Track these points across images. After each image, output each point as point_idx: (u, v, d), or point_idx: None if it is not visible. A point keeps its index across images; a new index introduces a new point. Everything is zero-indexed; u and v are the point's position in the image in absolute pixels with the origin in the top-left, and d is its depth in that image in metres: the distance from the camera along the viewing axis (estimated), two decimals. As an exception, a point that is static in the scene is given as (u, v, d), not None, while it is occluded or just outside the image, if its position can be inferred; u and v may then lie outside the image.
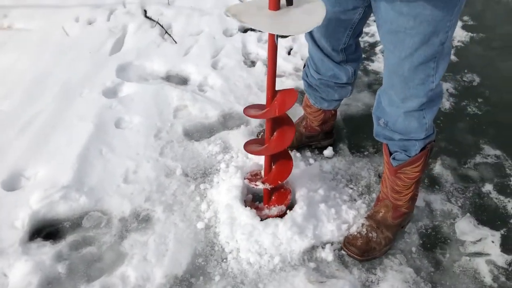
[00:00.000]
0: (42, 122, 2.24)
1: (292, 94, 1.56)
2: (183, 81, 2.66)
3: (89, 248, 1.80)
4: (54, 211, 1.89)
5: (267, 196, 1.84)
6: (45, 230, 1.85)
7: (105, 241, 1.82)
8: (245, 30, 3.08)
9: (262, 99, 2.47)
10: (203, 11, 3.17)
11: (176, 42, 2.87)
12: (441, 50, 1.39)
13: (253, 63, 2.78)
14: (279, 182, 1.76)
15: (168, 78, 2.67)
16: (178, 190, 2.00)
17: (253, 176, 1.87)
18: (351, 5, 1.57)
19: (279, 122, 1.68)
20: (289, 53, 2.86)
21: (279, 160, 1.77)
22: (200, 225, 1.86)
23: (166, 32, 2.94)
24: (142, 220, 1.90)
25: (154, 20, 3.01)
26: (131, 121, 2.33)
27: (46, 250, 1.76)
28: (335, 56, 1.80)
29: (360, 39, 1.86)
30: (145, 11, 3.11)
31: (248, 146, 1.75)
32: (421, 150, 1.63)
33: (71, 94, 2.42)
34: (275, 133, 1.69)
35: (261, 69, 2.69)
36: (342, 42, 1.73)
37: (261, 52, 2.84)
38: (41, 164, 2.05)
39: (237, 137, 2.24)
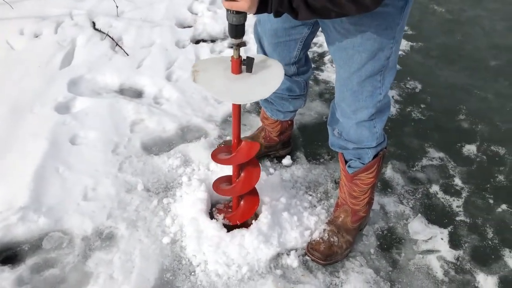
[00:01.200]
0: (-9, 141, 2.15)
1: (256, 145, 1.68)
2: (137, 94, 2.64)
3: (51, 270, 1.75)
4: (12, 234, 1.83)
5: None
6: (3, 255, 1.79)
7: (68, 261, 1.79)
8: (197, 42, 3.10)
9: (219, 110, 2.52)
10: (154, 22, 3.16)
11: (128, 55, 2.84)
12: (387, 64, 1.49)
13: (207, 75, 2.80)
14: (243, 220, 1.85)
15: (121, 91, 2.64)
16: (140, 206, 1.99)
17: (225, 208, 1.96)
18: (300, 21, 1.65)
19: (245, 163, 1.75)
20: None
21: (246, 197, 1.85)
22: (165, 240, 1.87)
23: (117, 44, 2.90)
24: (106, 238, 1.87)
25: (103, 32, 2.96)
26: (87, 136, 2.28)
27: (5, 276, 1.70)
28: (287, 70, 1.86)
29: (308, 50, 1.95)
30: (94, 23, 3.05)
31: (217, 186, 1.82)
32: (374, 157, 1.74)
33: (22, 111, 2.33)
34: (242, 174, 1.76)
35: (216, 81, 2.72)
36: (293, 56, 1.80)
37: (214, 63, 2.87)
38: (-7, 185, 1.97)
39: (197, 149, 2.26)
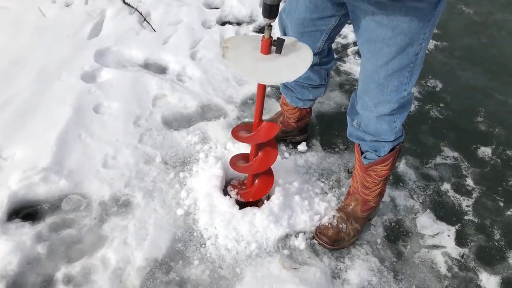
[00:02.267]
0: (20, 103, 2.23)
1: (276, 127, 1.72)
2: (161, 70, 2.69)
3: (68, 230, 1.83)
4: (34, 192, 1.90)
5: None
6: (24, 211, 1.87)
7: (85, 224, 1.86)
8: (223, 23, 3.14)
9: (240, 92, 2.56)
10: (182, 1, 3.20)
11: (155, 30, 2.89)
12: (415, 60, 1.50)
13: (231, 57, 2.84)
14: (256, 198, 1.90)
15: (146, 66, 2.69)
16: (157, 177, 2.05)
17: (239, 185, 2.00)
18: (328, 13, 1.67)
19: (263, 144, 1.79)
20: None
21: (261, 176, 1.89)
22: (179, 211, 1.93)
23: (145, 19, 2.96)
24: (122, 204, 1.94)
25: (132, 7, 3.01)
26: (110, 107, 2.35)
27: (25, 231, 1.78)
28: None
29: (333, 42, 1.96)
30: (124, -3, 3.11)
31: (234, 163, 1.87)
32: (390, 151, 1.77)
33: (49, 76, 2.40)
34: (259, 153, 1.81)
35: (239, 63, 2.76)
36: (317, 47, 1.83)
37: (239, 46, 2.91)
38: (19, 145, 2.05)
39: (216, 128, 2.30)
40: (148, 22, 2.94)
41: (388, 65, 1.50)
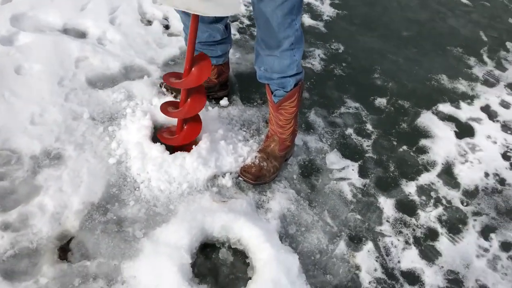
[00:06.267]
0: None
1: (208, 66, 1.87)
2: (81, 34, 2.72)
3: (1, 183, 1.87)
4: (-41, 150, 1.90)
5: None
6: (-49, 168, 1.87)
7: (17, 176, 1.91)
8: (139, -9, 3.21)
9: (161, 54, 2.69)
10: (97, -31, 3.21)
11: (70, -3, 2.90)
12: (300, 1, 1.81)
13: (149, 22, 2.94)
14: (187, 141, 2.06)
15: (65, 31, 2.70)
16: (87, 132, 2.13)
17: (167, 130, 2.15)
18: None
19: (193, 90, 1.95)
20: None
21: (189, 122, 2.05)
22: (111, 160, 2.04)
23: (59, -14, 2.94)
24: (54, 157, 2.01)
25: (45, -26, 2.98)
26: (32, 68, 2.35)
27: (-46, 186, 1.79)
28: (204, 18, 2.10)
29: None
30: (34, -36, 3.05)
31: (164, 108, 2.00)
32: (294, 86, 2.03)
33: (-37, 40, 2.35)
34: (189, 100, 1.96)
35: (158, 28, 2.87)
36: None
37: (156, 12, 3.01)
38: None
39: (140, 86, 2.41)
40: (63, -11, 2.93)
41: (283, 5, 1.76)
